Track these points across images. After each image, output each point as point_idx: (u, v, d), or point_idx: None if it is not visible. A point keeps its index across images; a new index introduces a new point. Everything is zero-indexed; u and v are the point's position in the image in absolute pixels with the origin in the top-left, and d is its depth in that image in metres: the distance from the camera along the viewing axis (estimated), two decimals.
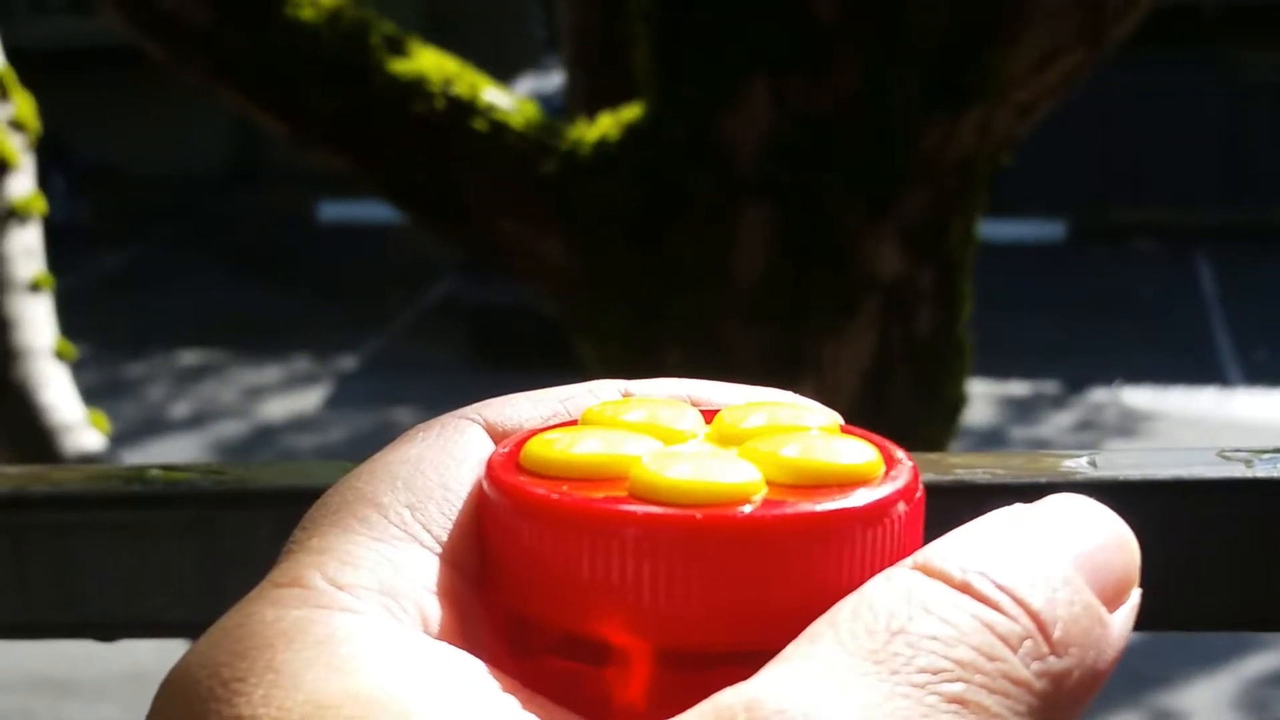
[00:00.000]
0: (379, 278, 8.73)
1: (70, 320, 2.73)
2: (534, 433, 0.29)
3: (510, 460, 0.28)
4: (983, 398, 6.46)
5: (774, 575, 0.25)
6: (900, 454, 0.28)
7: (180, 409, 6.93)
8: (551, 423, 0.30)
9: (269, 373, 7.34)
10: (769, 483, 0.26)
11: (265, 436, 6.55)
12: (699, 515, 0.25)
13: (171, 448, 6.26)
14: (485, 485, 0.28)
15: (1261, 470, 0.40)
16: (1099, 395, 6.88)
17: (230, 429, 6.66)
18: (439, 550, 0.27)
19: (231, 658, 0.24)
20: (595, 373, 2.08)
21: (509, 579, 0.27)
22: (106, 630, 0.47)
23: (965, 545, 0.25)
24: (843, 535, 0.25)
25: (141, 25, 2.14)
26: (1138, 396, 6.81)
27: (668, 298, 2.11)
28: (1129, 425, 6.53)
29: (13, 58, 2.64)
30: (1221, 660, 4.45)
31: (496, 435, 0.30)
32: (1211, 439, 5.79)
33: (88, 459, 2.51)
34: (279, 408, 6.90)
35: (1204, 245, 8.99)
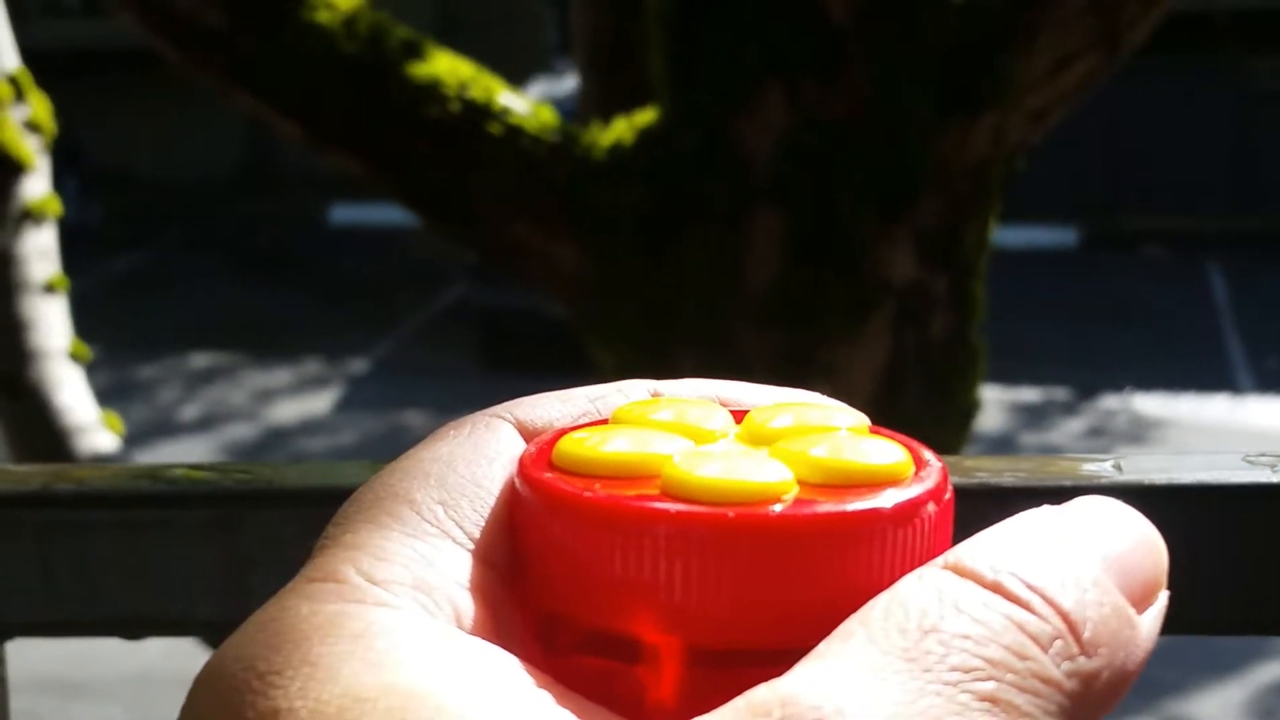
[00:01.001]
0: (390, 281, 8.74)
1: (81, 322, 2.74)
2: (565, 431, 0.29)
3: (542, 458, 0.28)
4: (994, 403, 6.45)
5: (805, 574, 0.25)
6: (929, 455, 0.28)
7: (191, 411, 6.94)
8: (581, 422, 0.30)
9: (279, 375, 7.35)
10: (800, 482, 0.26)
11: (276, 439, 6.56)
12: (731, 514, 0.25)
13: (182, 450, 6.27)
14: (517, 483, 0.28)
15: None
16: (1110, 402, 6.87)
17: (241, 431, 6.67)
18: (471, 547, 0.27)
19: (267, 651, 0.25)
20: (607, 377, 2.07)
21: (541, 576, 0.27)
22: (131, 628, 0.47)
23: (996, 545, 0.25)
24: (873, 535, 0.26)
25: (156, 28, 2.14)
26: (1148, 403, 6.80)
27: (680, 302, 2.11)
28: (1139, 432, 6.52)
29: (27, 60, 2.65)
30: (1231, 667, 4.44)
31: (527, 434, 0.30)
32: (1222, 446, 5.78)
33: (101, 460, 2.52)
34: (289, 410, 6.91)
35: (1215, 252, 8.98)
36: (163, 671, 3.88)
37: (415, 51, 2.13)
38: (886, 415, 2.06)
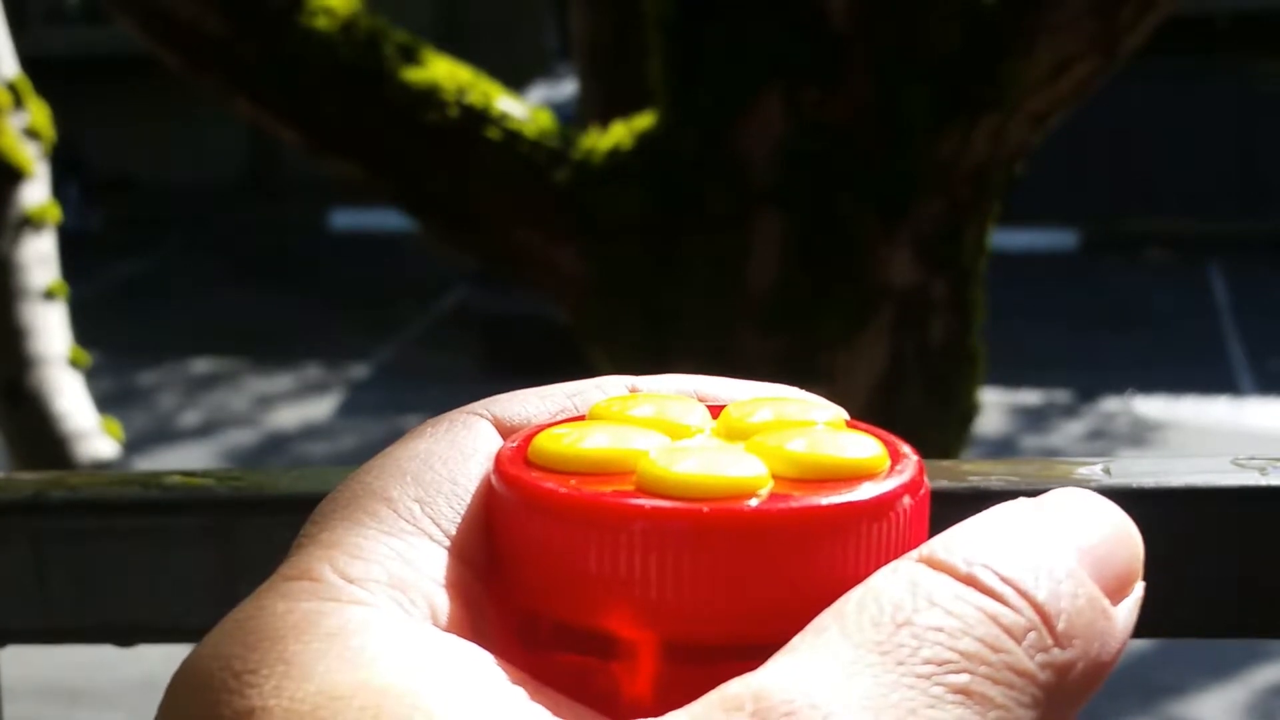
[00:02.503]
0: (391, 286, 8.74)
1: (82, 328, 2.74)
2: (542, 428, 0.29)
3: (519, 455, 0.28)
4: (995, 406, 6.45)
5: (780, 568, 0.25)
6: (905, 449, 0.28)
7: (192, 417, 6.94)
8: (559, 418, 0.30)
9: (281, 381, 7.35)
10: (775, 477, 0.26)
11: (277, 444, 6.56)
12: (706, 509, 0.25)
13: (183, 456, 6.27)
14: (494, 479, 0.28)
15: (1275, 478, 0.40)
16: (1111, 404, 6.87)
17: (242, 437, 6.67)
18: (448, 544, 0.27)
19: (243, 649, 0.25)
20: None
21: (517, 572, 0.27)
22: (125, 635, 0.47)
23: (970, 538, 0.25)
24: (848, 529, 0.26)
25: (157, 34, 2.15)
26: (1150, 406, 6.80)
27: (681, 307, 2.11)
28: (1141, 435, 6.51)
29: (29, 66, 2.65)
30: (1232, 669, 4.43)
31: (505, 430, 0.30)
32: (1224, 448, 5.78)
33: (101, 466, 2.52)
34: (290, 416, 6.91)
35: (1217, 255, 8.98)
36: (165, 678, 3.85)
37: (413, 57, 2.13)
38: (886, 418, 2.06)
